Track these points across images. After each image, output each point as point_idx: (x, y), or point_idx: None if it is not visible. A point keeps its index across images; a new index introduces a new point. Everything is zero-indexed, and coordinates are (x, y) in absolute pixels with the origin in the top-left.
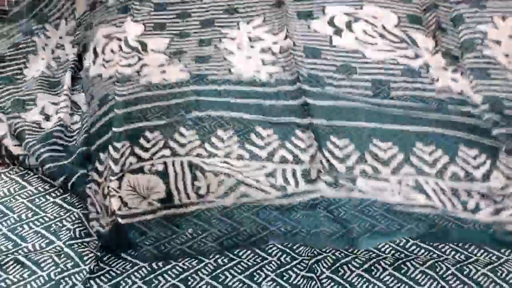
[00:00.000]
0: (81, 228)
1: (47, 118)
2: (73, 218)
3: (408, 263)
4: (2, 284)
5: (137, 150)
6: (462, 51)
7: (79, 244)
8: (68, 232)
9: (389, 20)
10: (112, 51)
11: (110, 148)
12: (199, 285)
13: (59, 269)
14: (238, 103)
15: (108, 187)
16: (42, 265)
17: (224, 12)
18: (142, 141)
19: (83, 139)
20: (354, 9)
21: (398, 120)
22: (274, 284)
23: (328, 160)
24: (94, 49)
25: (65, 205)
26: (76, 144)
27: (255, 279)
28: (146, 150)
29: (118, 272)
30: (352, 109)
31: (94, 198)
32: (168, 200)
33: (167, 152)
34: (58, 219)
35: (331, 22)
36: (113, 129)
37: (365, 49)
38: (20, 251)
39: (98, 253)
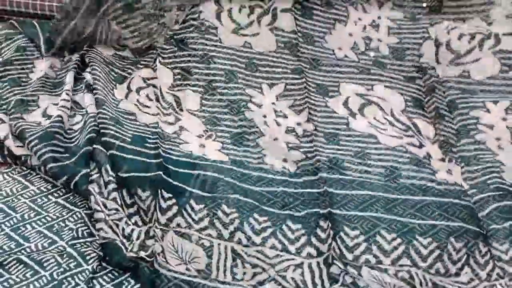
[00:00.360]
0: (84, 228)
1: (49, 119)
2: (76, 218)
3: None
4: (5, 284)
5: (186, 215)
6: (457, 138)
7: (82, 244)
8: (70, 232)
9: (397, 104)
10: (148, 97)
11: (159, 196)
12: None
13: (61, 269)
14: (268, 194)
15: (154, 231)
16: (45, 265)
17: (245, 66)
18: (188, 208)
19: (87, 139)
20: (366, 90)
21: (405, 213)
22: None
23: (339, 248)
24: (128, 85)
25: (67, 205)
26: (79, 144)
27: None
28: (193, 220)
29: (121, 271)
30: (366, 198)
31: (98, 198)
32: (205, 272)
33: (213, 232)
34: (61, 219)
35: (345, 104)
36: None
37: (378, 134)
38: (23, 251)
39: (101, 253)
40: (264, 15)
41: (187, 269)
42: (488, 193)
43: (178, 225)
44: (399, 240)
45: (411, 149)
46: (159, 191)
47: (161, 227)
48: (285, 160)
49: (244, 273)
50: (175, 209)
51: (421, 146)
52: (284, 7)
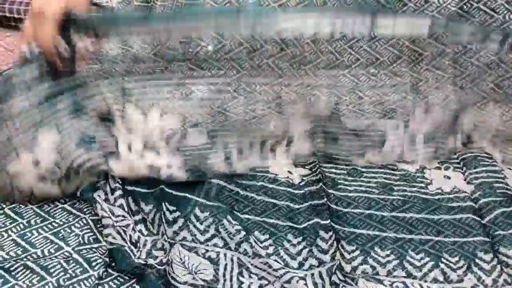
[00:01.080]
0: (90, 234)
1: None
2: (82, 224)
3: None
4: None
5: (192, 227)
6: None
7: (88, 250)
8: (76, 238)
9: None
10: None
11: (164, 209)
12: None
13: (67, 275)
14: (271, 206)
15: (162, 244)
16: (51, 270)
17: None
18: (193, 219)
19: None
20: None
21: (398, 230)
22: None
23: (339, 260)
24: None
25: (74, 211)
26: None
27: None
28: (199, 231)
29: (127, 278)
30: (361, 216)
31: (105, 205)
32: (212, 282)
33: (220, 242)
34: (67, 225)
35: None
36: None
37: None
38: (29, 257)
39: (107, 259)
40: None
41: (194, 278)
42: (494, 198)
43: (184, 238)
44: (392, 256)
45: (401, 166)
46: (163, 205)
47: (169, 240)
48: (290, 173)
49: (251, 283)
50: (180, 222)
51: (413, 162)
52: None
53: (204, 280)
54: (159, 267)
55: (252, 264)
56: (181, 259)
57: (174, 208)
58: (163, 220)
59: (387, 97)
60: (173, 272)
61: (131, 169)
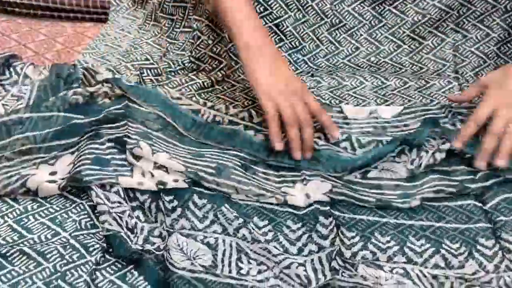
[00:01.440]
0: (87, 220)
1: None
2: (79, 210)
3: None
4: (8, 275)
5: (190, 215)
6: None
7: (85, 235)
8: (73, 223)
9: None
10: None
11: (161, 199)
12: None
13: (64, 261)
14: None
15: (160, 232)
16: (48, 256)
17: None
18: (191, 206)
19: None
20: None
21: (399, 216)
22: None
23: (339, 246)
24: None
25: (70, 196)
26: None
27: None
28: (198, 218)
29: (124, 263)
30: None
31: (99, 191)
32: (210, 267)
33: (218, 228)
34: (64, 210)
35: None
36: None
37: None
38: (25, 242)
39: (104, 245)
40: None
41: (192, 264)
42: (495, 180)
43: (183, 227)
44: (392, 242)
45: None
46: (160, 194)
47: (167, 228)
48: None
49: (250, 269)
50: (179, 210)
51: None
52: None
53: (202, 266)
54: (156, 252)
55: (251, 250)
56: (179, 245)
57: (172, 197)
58: (161, 209)
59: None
60: (171, 258)
61: (140, 184)
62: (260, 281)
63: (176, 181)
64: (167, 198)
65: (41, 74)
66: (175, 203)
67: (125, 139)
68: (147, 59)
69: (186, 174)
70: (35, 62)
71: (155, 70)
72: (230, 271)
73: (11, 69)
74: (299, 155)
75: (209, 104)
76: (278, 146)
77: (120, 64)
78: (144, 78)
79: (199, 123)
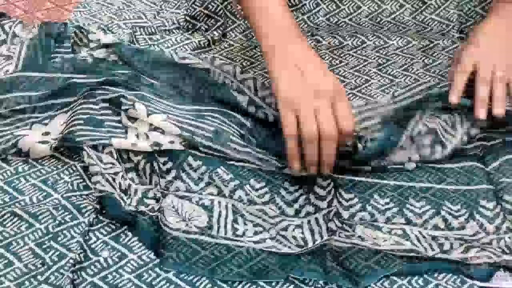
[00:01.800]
0: (79, 181)
1: None
2: (71, 171)
3: None
4: (0, 237)
5: (185, 177)
6: None
7: (77, 196)
8: (65, 184)
9: None
10: None
11: (155, 160)
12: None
13: (56, 222)
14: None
15: (154, 193)
16: (40, 217)
17: None
18: (186, 167)
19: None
20: None
21: (399, 177)
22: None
23: (336, 207)
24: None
25: (62, 157)
26: None
27: None
28: (193, 180)
29: (118, 225)
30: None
31: (92, 152)
32: (206, 229)
33: (214, 190)
34: (56, 172)
35: None
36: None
37: None
38: (17, 204)
39: (97, 206)
40: None
41: (187, 225)
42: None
43: (178, 188)
44: (392, 204)
45: None
46: (155, 155)
47: (162, 190)
48: None
49: (246, 230)
50: (173, 172)
51: None
52: None
53: (197, 227)
54: (151, 214)
55: (247, 212)
56: (173, 206)
57: (166, 159)
58: (156, 171)
59: None
60: (166, 219)
61: (134, 145)
62: (257, 242)
63: (172, 142)
64: (162, 160)
65: (30, 33)
66: (170, 164)
67: (121, 99)
68: (140, 17)
69: (181, 137)
70: (25, 21)
71: (149, 29)
72: (225, 233)
73: None
74: (314, 170)
75: (216, 62)
76: (295, 167)
77: (112, 22)
78: (137, 37)
79: (210, 81)
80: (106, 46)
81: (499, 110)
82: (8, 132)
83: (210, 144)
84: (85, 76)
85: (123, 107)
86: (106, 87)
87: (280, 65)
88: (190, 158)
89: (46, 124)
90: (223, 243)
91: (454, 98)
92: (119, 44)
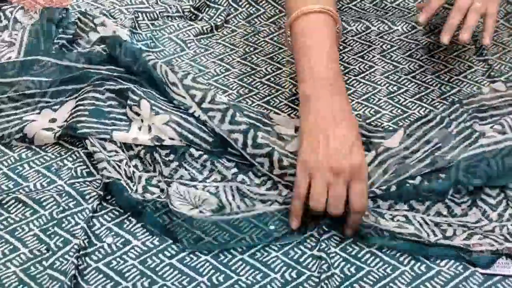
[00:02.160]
0: (83, 168)
1: None
2: (74, 158)
3: None
4: (5, 222)
5: (188, 166)
6: None
7: (81, 183)
8: (69, 171)
9: None
10: None
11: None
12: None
13: (61, 208)
14: None
15: (158, 181)
16: (44, 204)
17: None
18: (188, 158)
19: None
20: None
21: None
22: (282, 264)
23: None
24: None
25: (66, 144)
26: None
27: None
28: (196, 168)
29: (122, 211)
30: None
31: (95, 140)
32: (219, 208)
33: (218, 176)
34: (59, 158)
35: None
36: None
37: None
38: (21, 190)
39: (101, 192)
40: None
41: (201, 211)
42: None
43: (182, 176)
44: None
45: None
46: (156, 147)
47: (166, 179)
48: None
49: (255, 203)
50: (176, 163)
51: None
52: None
53: (211, 210)
54: (158, 200)
55: (251, 192)
56: (181, 195)
57: (168, 151)
58: (158, 162)
59: None
60: (173, 206)
61: (134, 140)
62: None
63: (172, 139)
64: (163, 152)
65: (31, 18)
66: (172, 156)
67: (129, 93)
68: (142, 3)
69: (180, 140)
70: (26, 6)
71: (151, 14)
72: (239, 207)
73: (0, 13)
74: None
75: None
76: (294, 225)
77: (114, 8)
78: (139, 22)
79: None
80: (103, 42)
81: (464, 37)
82: (17, 116)
83: (212, 149)
84: (100, 67)
85: (129, 102)
86: (117, 79)
87: (310, 121)
88: (192, 149)
89: (55, 110)
90: (237, 218)
91: (446, 37)
92: (114, 45)
